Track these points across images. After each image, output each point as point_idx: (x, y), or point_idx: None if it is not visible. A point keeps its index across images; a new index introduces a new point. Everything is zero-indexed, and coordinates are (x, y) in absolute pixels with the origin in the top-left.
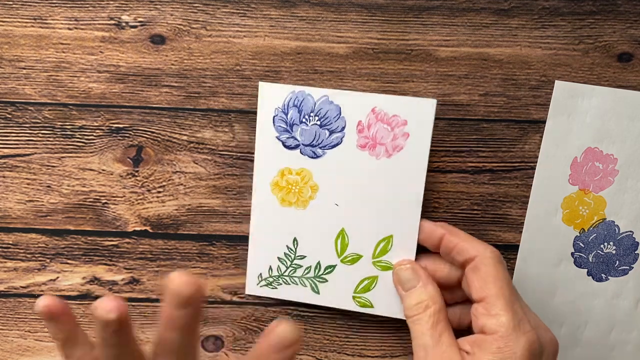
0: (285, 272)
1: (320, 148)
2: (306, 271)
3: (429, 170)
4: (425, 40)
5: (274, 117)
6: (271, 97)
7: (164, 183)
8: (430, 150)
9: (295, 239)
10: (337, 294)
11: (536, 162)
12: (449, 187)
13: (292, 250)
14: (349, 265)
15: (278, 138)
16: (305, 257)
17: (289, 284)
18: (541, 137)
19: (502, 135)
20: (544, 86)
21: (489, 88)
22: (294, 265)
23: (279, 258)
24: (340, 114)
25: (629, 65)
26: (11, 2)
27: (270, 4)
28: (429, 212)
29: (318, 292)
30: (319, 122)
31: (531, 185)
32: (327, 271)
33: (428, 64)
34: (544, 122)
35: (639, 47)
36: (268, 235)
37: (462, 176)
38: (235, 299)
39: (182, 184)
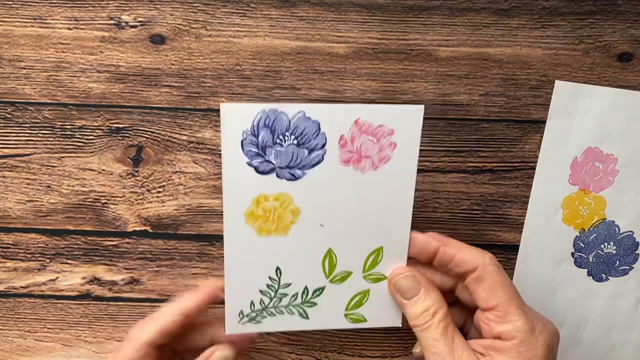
0: (269, 304)
1: (299, 169)
2: (293, 299)
3: (429, 170)
4: (425, 40)
5: (242, 141)
6: (237, 119)
7: (164, 183)
8: (430, 150)
9: (278, 268)
10: (327, 316)
11: (536, 162)
12: (449, 187)
13: (275, 280)
14: (339, 284)
15: (249, 164)
16: (290, 284)
17: (275, 315)
18: (541, 137)
19: (502, 135)
20: (544, 86)
21: (489, 88)
22: (278, 295)
23: (261, 291)
24: (319, 130)
25: (629, 65)
26: (11, 2)
27: (270, 4)
28: (428, 212)
29: (307, 317)
30: (295, 141)
31: (531, 185)
32: (315, 294)
33: (428, 64)
34: (544, 122)
35: (639, 47)
36: (247, 269)
37: (462, 176)
38: None
39: (182, 184)
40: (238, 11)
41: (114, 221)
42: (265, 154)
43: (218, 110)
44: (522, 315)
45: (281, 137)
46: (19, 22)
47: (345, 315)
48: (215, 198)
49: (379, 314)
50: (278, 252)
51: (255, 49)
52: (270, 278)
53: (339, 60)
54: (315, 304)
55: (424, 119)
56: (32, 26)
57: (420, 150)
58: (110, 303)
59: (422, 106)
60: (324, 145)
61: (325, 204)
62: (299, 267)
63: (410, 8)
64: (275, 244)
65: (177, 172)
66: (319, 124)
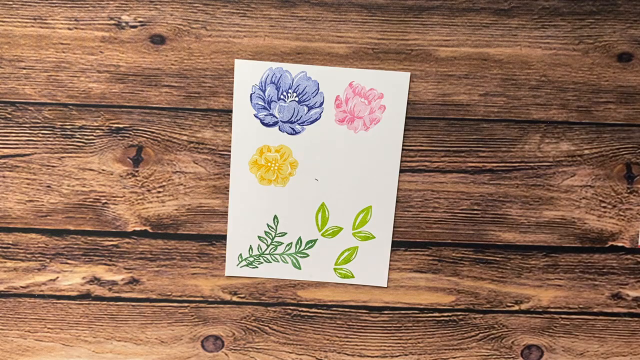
0: (266, 250)
1: (299, 124)
2: (287, 248)
3: (429, 170)
4: (425, 40)
5: (251, 94)
6: (248, 74)
7: (164, 183)
8: (430, 150)
9: (275, 217)
10: (318, 268)
11: (536, 161)
12: (449, 187)
13: (272, 228)
14: (330, 239)
15: (256, 116)
16: (286, 233)
17: (270, 262)
18: (541, 137)
19: (502, 135)
20: (544, 86)
21: (489, 88)
22: (274, 243)
23: (259, 237)
24: (318, 90)
25: (629, 65)
26: (11, 2)
27: (270, 4)
28: (428, 212)
29: (299, 268)
30: (297, 99)
31: (531, 185)
32: (308, 246)
33: (428, 64)
34: (544, 122)
35: (639, 47)
36: (248, 214)
37: (462, 176)
38: (235, 299)
39: (182, 184)
40: (238, 11)
41: (114, 221)
42: (270, 108)
43: (218, 110)
44: None
45: (285, 93)
46: (19, 22)
47: (335, 270)
48: (215, 198)
49: (366, 273)
50: (276, 202)
51: (255, 49)
52: (268, 225)
53: (339, 60)
54: (307, 255)
55: (424, 118)
56: (32, 26)
57: (420, 150)
58: (110, 303)
59: (409, 73)
60: (321, 103)
61: (321, 160)
62: (294, 218)
63: (410, 8)
64: (274, 193)
65: (177, 172)
66: (318, 84)
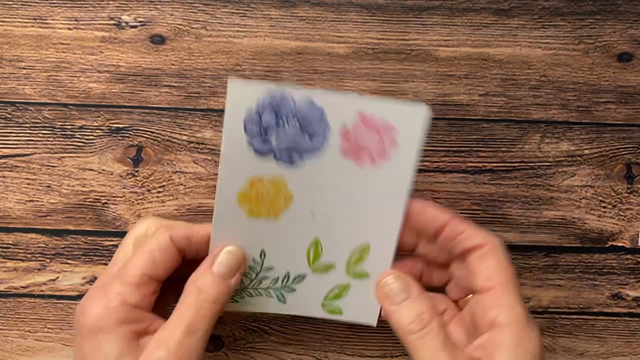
0: (249, 285)
1: (298, 154)
2: (273, 282)
3: (429, 170)
4: (425, 40)
5: (245, 119)
6: (243, 96)
7: (164, 183)
8: (430, 150)
9: (263, 251)
10: (304, 302)
11: (536, 162)
12: (449, 187)
13: (258, 262)
14: (321, 274)
15: (250, 143)
16: (272, 268)
17: (253, 296)
18: (541, 137)
19: (502, 135)
20: (544, 86)
21: (489, 88)
22: (259, 278)
23: None
24: (323, 117)
25: (629, 65)
26: (11, 2)
27: (270, 4)
28: None
29: (284, 302)
30: (298, 126)
31: (531, 185)
32: (296, 281)
33: (428, 64)
34: (544, 122)
35: (639, 47)
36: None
37: (462, 176)
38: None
39: (182, 184)
40: (238, 11)
41: (114, 221)
42: (266, 135)
43: (218, 110)
44: (521, 302)
45: (284, 119)
46: (19, 22)
47: (323, 305)
48: (215, 198)
49: (356, 310)
50: (265, 236)
51: (255, 49)
52: (253, 260)
53: (339, 60)
54: (294, 289)
55: None
56: (32, 26)
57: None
58: None
59: (427, 106)
60: (325, 133)
61: (319, 194)
62: (283, 253)
63: (410, 8)
64: (263, 227)
65: (177, 172)
66: (324, 111)
